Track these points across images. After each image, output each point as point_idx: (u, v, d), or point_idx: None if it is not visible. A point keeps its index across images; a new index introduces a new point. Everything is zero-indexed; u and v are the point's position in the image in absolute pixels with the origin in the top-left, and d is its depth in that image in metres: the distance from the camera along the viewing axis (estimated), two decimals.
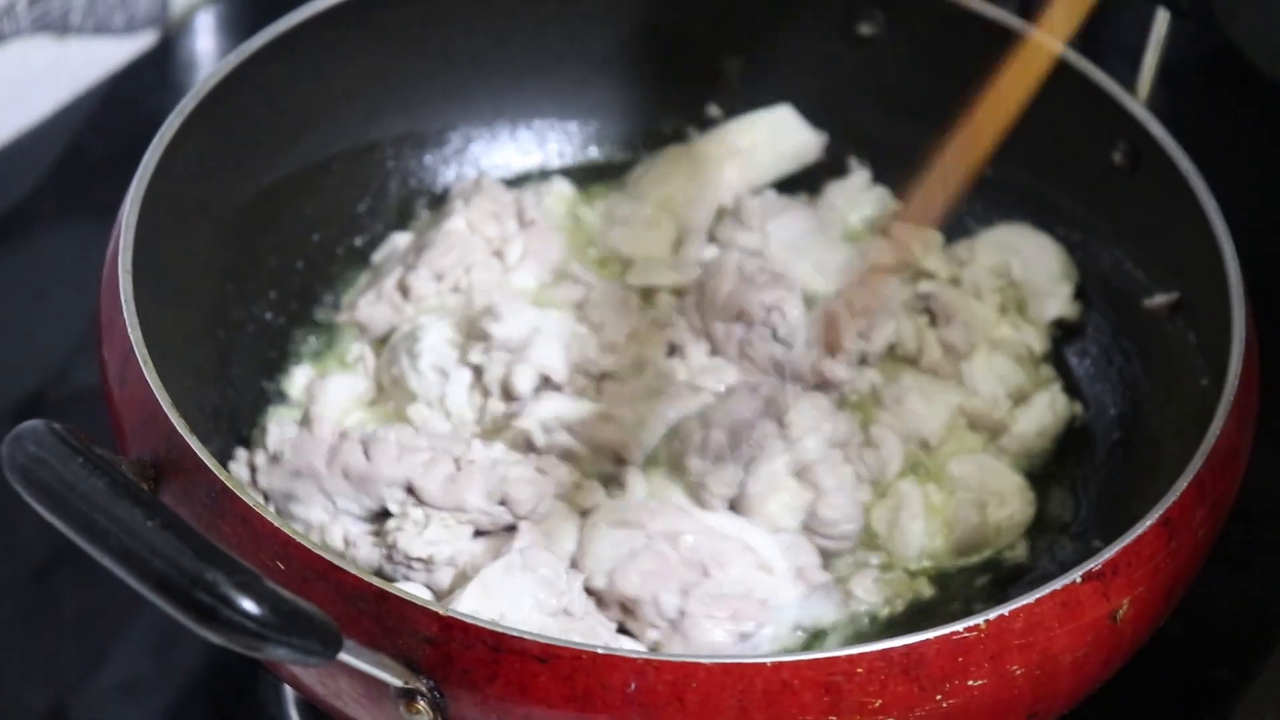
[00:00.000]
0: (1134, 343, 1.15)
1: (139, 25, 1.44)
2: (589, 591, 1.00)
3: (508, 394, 1.08)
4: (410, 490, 1.02)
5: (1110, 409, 1.14)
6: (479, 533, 1.03)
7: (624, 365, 1.11)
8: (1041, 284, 1.17)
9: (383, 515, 1.04)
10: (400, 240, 1.19)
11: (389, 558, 1.02)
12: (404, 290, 1.15)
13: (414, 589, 0.99)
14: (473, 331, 1.11)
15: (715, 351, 1.12)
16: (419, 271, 1.15)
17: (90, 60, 1.43)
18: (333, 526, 1.03)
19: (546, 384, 1.09)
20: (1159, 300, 1.10)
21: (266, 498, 1.04)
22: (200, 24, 1.49)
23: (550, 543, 1.02)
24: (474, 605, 0.95)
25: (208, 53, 1.48)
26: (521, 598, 0.96)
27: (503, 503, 1.03)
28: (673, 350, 1.13)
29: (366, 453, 1.03)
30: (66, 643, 1.13)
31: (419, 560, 1.01)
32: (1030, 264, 1.17)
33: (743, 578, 1.01)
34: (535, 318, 1.11)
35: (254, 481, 1.05)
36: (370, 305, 1.15)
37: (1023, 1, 1.19)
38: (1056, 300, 1.17)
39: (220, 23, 1.50)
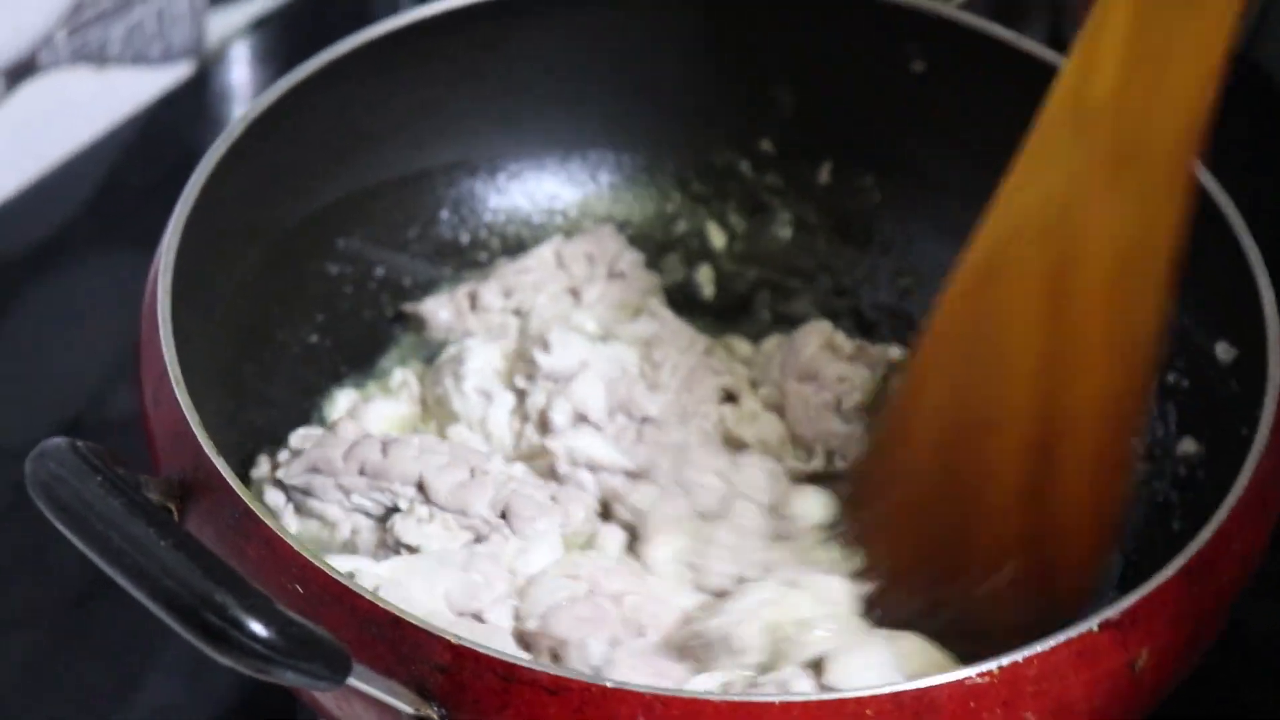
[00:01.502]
0: (1176, 387, 1.13)
1: (176, 56, 1.46)
2: (520, 637, 0.99)
3: (544, 425, 1.09)
4: (420, 488, 1.03)
5: (1153, 448, 1.13)
6: (477, 540, 1.04)
7: (669, 413, 1.11)
8: None
9: (394, 512, 1.05)
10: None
11: (382, 543, 1.03)
12: (472, 299, 1.16)
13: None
14: (521, 358, 1.12)
15: (771, 407, 1.13)
16: (490, 284, 1.16)
17: (128, 90, 1.45)
18: (344, 522, 1.04)
19: (583, 420, 1.09)
20: (1222, 355, 1.09)
21: (286, 494, 1.06)
22: (236, 54, 1.51)
23: (515, 561, 1.02)
24: (389, 571, 0.97)
25: (243, 83, 1.50)
26: (436, 588, 0.97)
27: (504, 516, 1.04)
28: (727, 397, 1.13)
29: (384, 451, 1.04)
30: (102, 669, 1.15)
31: (406, 547, 1.02)
32: None
33: None
34: (585, 352, 1.12)
35: (274, 479, 1.06)
36: (436, 302, 1.17)
37: (1052, 34, 1.18)
38: None
39: (255, 53, 1.51)
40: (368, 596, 0.87)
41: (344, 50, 1.12)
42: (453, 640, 0.85)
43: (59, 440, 0.84)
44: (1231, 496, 0.94)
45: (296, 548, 0.89)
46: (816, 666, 0.96)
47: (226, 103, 1.49)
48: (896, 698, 0.85)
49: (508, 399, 1.11)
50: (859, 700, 0.85)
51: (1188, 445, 1.10)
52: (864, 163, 1.25)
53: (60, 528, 0.82)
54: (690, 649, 0.98)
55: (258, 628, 0.78)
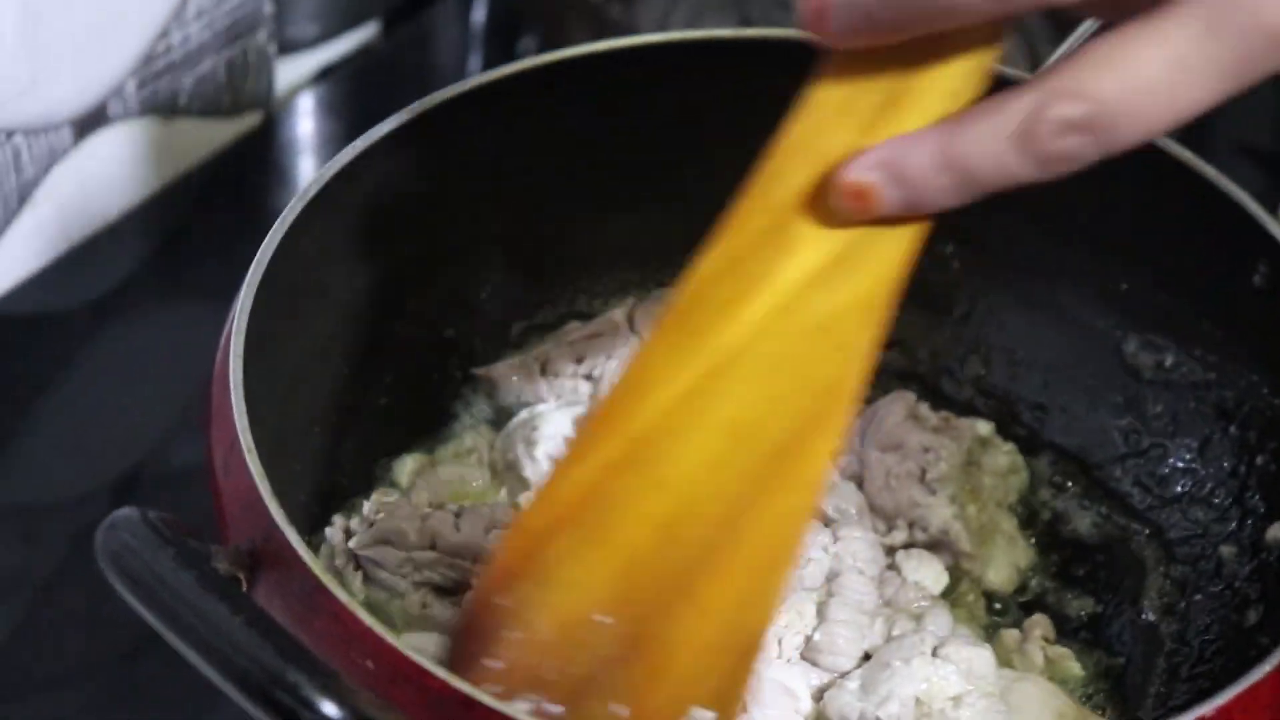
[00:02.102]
0: (1266, 469, 1.11)
1: (245, 107, 1.45)
2: None
3: None
4: None
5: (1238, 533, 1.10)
6: None
7: None
8: None
9: (465, 588, 1.02)
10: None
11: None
12: (543, 363, 1.14)
13: None
14: None
15: (849, 478, 1.11)
16: (563, 349, 1.14)
17: (196, 141, 1.44)
18: (413, 595, 1.02)
19: None
20: None
21: (357, 562, 1.04)
22: (302, 106, 1.50)
23: None
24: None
25: (309, 134, 1.49)
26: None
27: None
28: None
29: (457, 524, 1.02)
30: None
31: None
32: None
33: (782, 718, 0.97)
34: None
35: (346, 548, 1.04)
36: (508, 365, 1.15)
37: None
38: None
39: (322, 104, 1.50)
40: (441, 675, 0.85)
41: (426, 107, 1.10)
42: None
43: (130, 510, 0.83)
44: None
45: (369, 623, 0.86)
46: None
47: (292, 154, 1.48)
48: None
49: None
50: None
51: (1277, 531, 1.07)
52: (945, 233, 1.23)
53: (131, 601, 0.81)
54: None
55: (330, 709, 0.76)
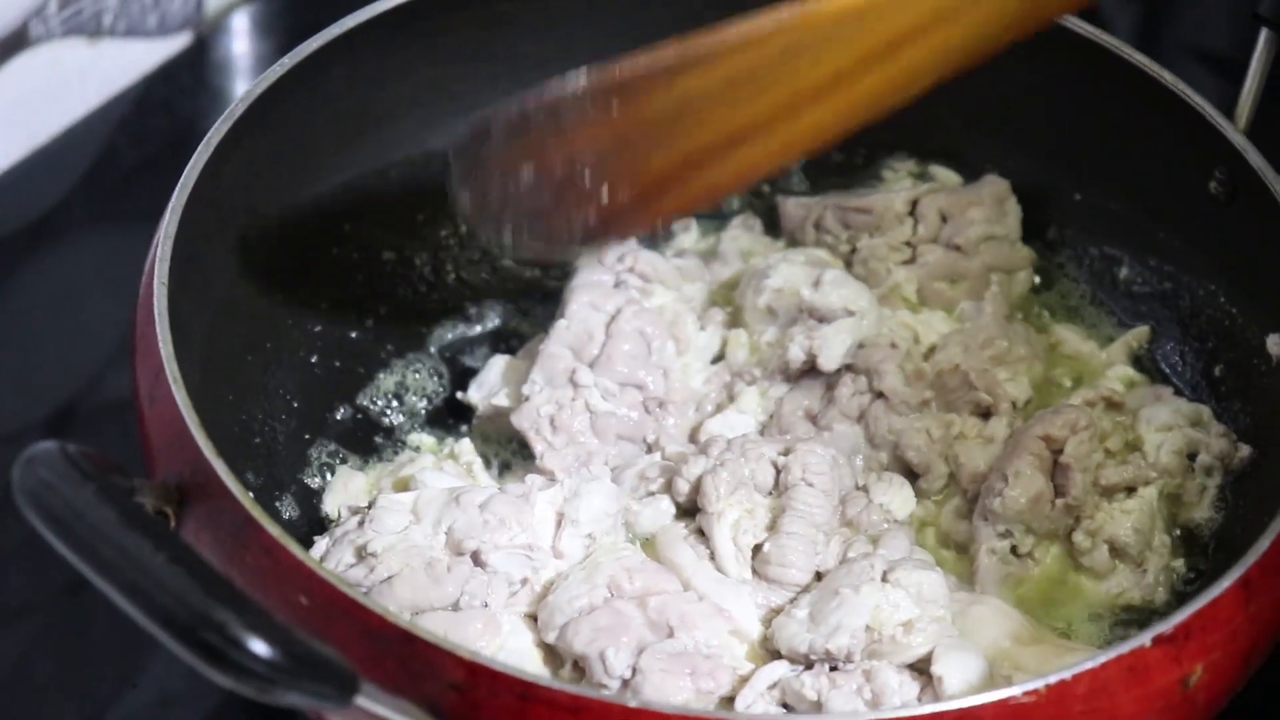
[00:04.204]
0: (1223, 380, 1.09)
1: (172, 27, 1.42)
2: (547, 646, 0.96)
3: None
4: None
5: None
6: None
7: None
8: None
9: None
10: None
11: None
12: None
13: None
14: None
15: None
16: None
17: (123, 63, 1.40)
18: None
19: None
20: (1274, 348, 1.04)
21: None
22: (235, 25, 1.46)
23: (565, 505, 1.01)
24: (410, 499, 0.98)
25: (243, 55, 1.46)
26: (442, 522, 0.97)
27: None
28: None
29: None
30: (99, 660, 1.11)
31: None
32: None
33: (710, 640, 0.96)
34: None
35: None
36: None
37: None
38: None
39: (256, 24, 1.47)
40: (378, 610, 0.83)
41: (352, 24, 1.08)
42: (467, 657, 0.81)
43: (49, 445, 0.80)
44: None
45: (301, 556, 0.84)
46: (916, 668, 0.93)
47: (225, 76, 1.45)
48: (939, 717, 0.82)
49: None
50: None
51: (1232, 446, 1.05)
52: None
53: (50, 539, 0.78)
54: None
55: (259, 647, 0.74)
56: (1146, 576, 1.02)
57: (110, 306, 1.23)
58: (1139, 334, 1.14)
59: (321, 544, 0.98)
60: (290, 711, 1.06)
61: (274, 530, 0.85)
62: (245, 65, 1.45)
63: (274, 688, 0.74)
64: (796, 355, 1.09)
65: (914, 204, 1.16)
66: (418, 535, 0.97)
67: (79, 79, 1.37)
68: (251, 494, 0.87)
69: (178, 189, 0.98)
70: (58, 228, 1.34)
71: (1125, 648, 0.84)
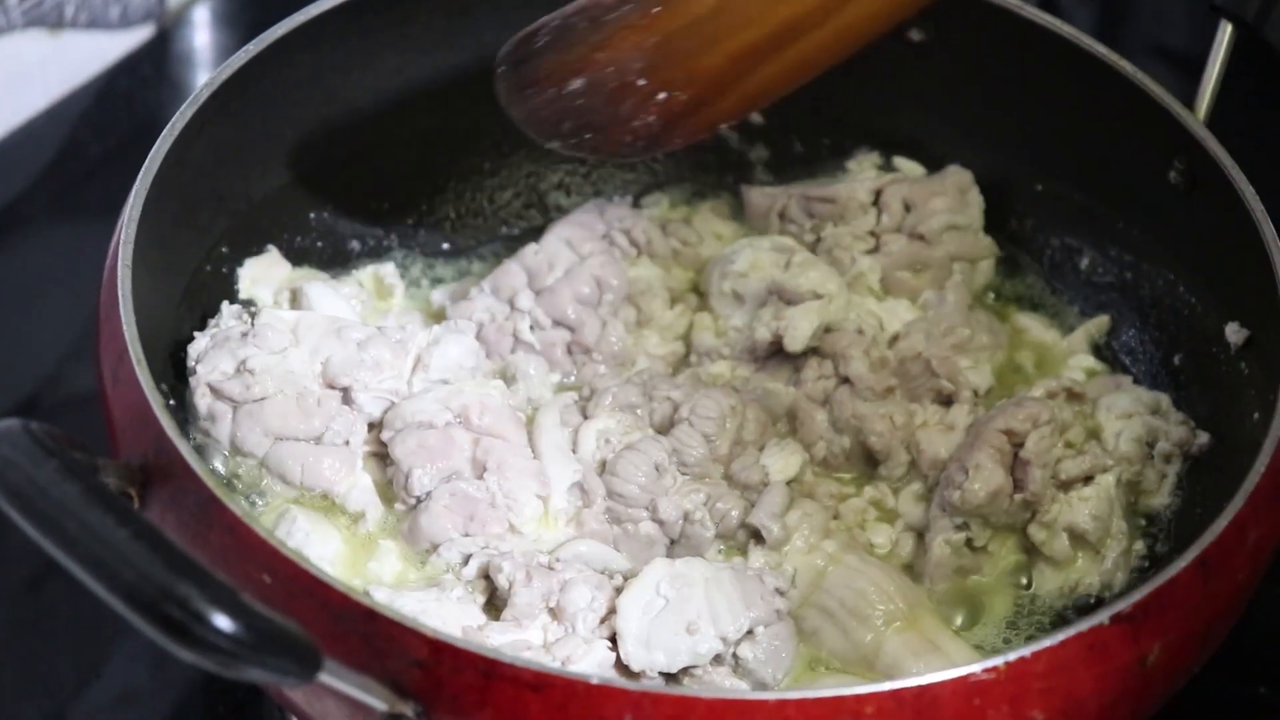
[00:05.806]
0: (1182, 369, 1.10)
1: (135, 19, 1.42)
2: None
3: None
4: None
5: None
6: None
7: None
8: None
9: None
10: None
11: None
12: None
13: None
14: None
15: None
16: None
17: (84, 55, 1.40)
18: None
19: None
20: (1232, 336, 1.04)
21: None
22: (197, 18, 1.47)
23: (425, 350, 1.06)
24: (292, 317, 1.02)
25: (205, 48, 1.46)
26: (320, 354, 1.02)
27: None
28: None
29: None
30: (62, 653, 1.11)
31: None
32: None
33: (513, 492, 1.01)
34: None
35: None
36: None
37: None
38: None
39: (218, 17, 1.47)
40: (341, 588, 0.83)
41: (317, 11, 1.08)
42: (431, 634, 0.81)
43: (11, 421, 0.80)
44: (1247, 484, 0.90)
45: (264, 535, 0.84)
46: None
47: (188, 68, 1.45)
48: (897, 694, 0.82)
49: None
50: (858, 697, 0.82)
51: (1191, 433, 1.06)
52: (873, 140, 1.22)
53: (12, 515, 0.77)
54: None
55: (222, 621, 0.73)
56: (1105, 563, 1.02)
57: (73, 299, 1.23)
58: (1099, 323, 1.15)
59: (202, 341, 1.02)
60: (255, 703, 1.08)
61: (237, 509, 0.85)
62: (207, 58, 1.45)
63: (236, 663, 0.74)
64: (763, 336, 1.10)
65: (878, 194, 1.17)
66: (295, 360, 1.02)
67: (40, 71, 1.38)
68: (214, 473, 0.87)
69: (142, 172, 0.98)
70: (19, 220, 1.34)
71: (1084, 625, 0.84)
